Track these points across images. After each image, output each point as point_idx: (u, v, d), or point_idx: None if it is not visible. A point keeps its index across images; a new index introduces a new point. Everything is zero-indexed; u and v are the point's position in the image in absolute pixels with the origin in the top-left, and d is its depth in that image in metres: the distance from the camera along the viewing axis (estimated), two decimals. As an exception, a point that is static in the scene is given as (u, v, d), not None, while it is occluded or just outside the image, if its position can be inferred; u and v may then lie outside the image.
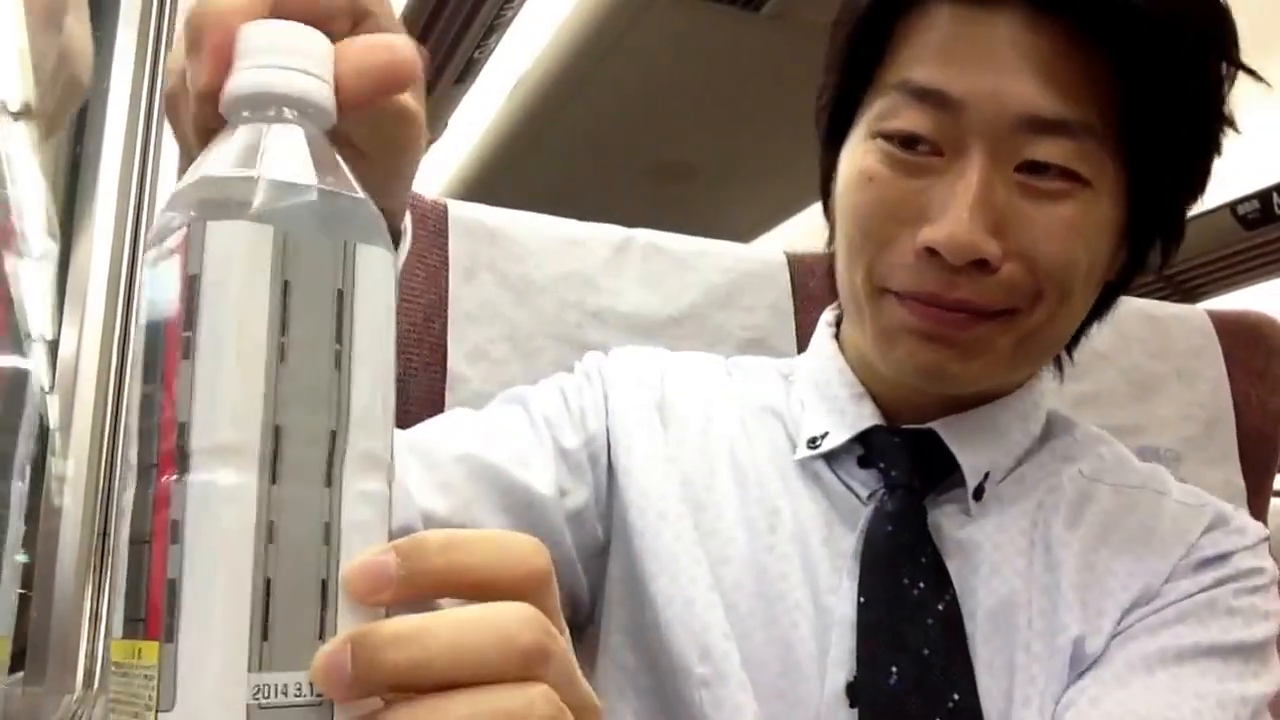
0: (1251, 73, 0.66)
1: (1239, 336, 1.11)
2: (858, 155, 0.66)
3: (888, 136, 0.64)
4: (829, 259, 0.74)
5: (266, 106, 0.32)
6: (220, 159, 0.31)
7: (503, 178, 3.06)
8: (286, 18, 0.33)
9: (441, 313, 0.89)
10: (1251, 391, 1.10)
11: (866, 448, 0.71)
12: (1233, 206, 2.77)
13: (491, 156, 3.00)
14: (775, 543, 0.69)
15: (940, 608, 0.65)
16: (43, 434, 0.94)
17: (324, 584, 0.29)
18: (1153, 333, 1.09)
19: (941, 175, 0.63)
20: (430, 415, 0.78)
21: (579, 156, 2.98)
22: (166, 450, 0.29)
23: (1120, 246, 0.68)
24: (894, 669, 0.63)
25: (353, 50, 0.34)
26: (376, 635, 0.28)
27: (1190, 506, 0.71)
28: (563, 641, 0.31)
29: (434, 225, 0.91)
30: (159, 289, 0.30)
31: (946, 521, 0.69)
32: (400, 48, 0.35)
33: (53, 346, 0.97)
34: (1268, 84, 0.67)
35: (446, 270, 0.90)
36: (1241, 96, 0.67)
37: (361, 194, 0.32)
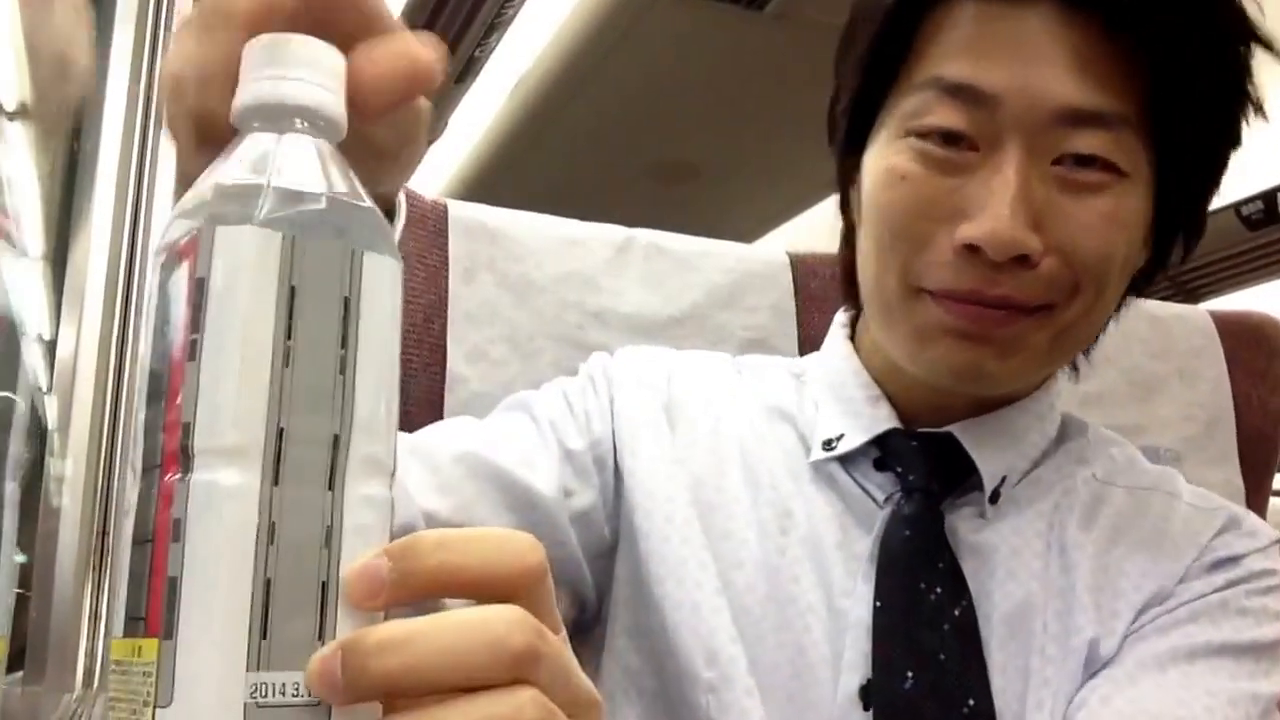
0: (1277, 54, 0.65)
1: (1241, 337, 1.11)
2: (888, 154, 0.66)
3: (921, 134, 0.63)
4: (835, 260, 0.74)
5: (279, 117, 0.32)
6: (231, 167, 0.31)
7: (503, 177, 3.06)
8: (294, 14, 0.33)
9: (441, 313, 0.89)
10: (1252, 392, 1.09)
11: (883, 451, 0.70)
12: (1237, 207, 2.78)
13: (492, 156, 3.00)
14: (787, 545, 0.68)
15: (957, 613, 0.65)
16: (41, 434, 0.94)
17: (324, 586, 0.29)
18: (1155, 333, 1.09)
19: (976, 171, 0.62)
20: (430, 416, 0.77)
21: (580, 156, 2.98)
22: (170, 450, 0.29)
23: (1148, 240, 0.68)
24: (909, 673, 0.63)
25: (374, 59, 0.34)
26: (366, 641, 0.29)
27: (1203, 509, 0.71)
28: (555, 640, 0.31)
29: (434, 225, 0.91)
30: (167, 291, 0.30)
31: (962, 525, 0.68)
32: (420, 54, 0.35)
33: (50, 346, 0.97)
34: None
35: (446, 270, 0.90)
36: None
37: (369, 203, 0.32)
